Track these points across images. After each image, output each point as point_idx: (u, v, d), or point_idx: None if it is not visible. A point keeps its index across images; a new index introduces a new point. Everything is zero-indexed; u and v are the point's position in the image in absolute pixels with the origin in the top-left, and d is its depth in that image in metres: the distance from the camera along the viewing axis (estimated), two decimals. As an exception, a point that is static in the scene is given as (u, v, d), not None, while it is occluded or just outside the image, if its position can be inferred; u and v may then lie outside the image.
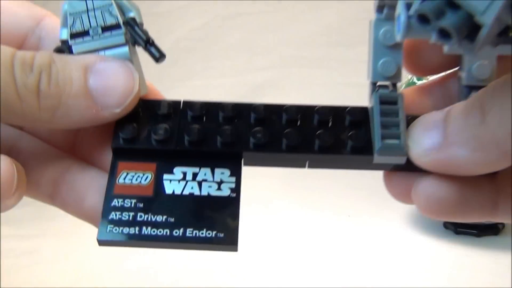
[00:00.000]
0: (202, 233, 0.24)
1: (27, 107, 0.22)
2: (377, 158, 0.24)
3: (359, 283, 0.49)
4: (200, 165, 0.25)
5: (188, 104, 0.25)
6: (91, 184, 0.25)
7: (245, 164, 0.25)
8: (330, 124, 0.25)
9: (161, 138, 0.24)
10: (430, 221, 0.60)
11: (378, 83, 0.25)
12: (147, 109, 0.25)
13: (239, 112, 0.25)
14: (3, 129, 0.25)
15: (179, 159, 0.25)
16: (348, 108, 0.25)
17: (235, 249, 0.24)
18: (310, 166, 0.26)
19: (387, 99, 0.25)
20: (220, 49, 0.86)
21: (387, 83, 0.25)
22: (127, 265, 0.51)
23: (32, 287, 0.50)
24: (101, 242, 0.24)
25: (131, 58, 0.25)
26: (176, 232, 0.24)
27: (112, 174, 0.25)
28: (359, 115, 0.25)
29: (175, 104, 0.25)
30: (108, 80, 0.23)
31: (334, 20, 0.82)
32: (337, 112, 0.25)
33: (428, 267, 0.52)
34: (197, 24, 0.87)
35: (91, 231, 0.24)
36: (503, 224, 0.58)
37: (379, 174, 0.25)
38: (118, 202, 0.24)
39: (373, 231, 0.59)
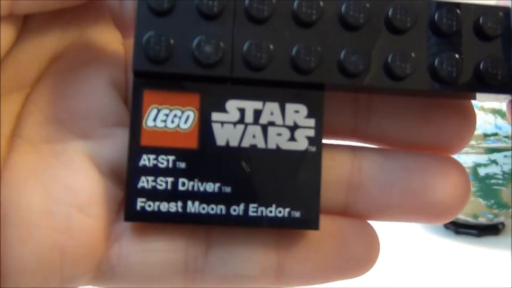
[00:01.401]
0: (271, 211, 0.16)
1: None
2: None
3: (359, 283, 0.49)
4: (264, 97, 0.16)
5: None
6: None
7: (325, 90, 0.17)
8: (453, 32, 0.16)
9: (210, 60, 0.15)
10: (430, 221, 0.60)
11: None
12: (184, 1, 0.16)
13: (322, 11, 0.16)
14: None
15: (233, 86, 0.16)
16: (484, 11, 0.16)
17: (316, 229, 0.17)
18: (414, 95, 0.18)
19: None
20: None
21: None
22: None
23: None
24: (130, 221, 0.16)
25: None
26: (234, 210, 0.16)
27: (136, 111, 0.16)
28: (500, 25, 0.16)
29: None
30: None
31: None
32: (465, 15, 0.16)
33: (428, 267, 0.52)
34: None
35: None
36: (503, 224, 0.58)
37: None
38: (149, 159, 0.16)
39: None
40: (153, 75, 0.16)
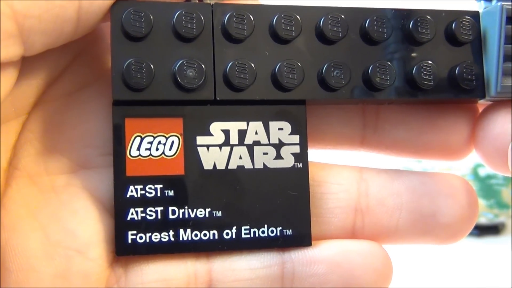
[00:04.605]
0: (263, 232, 0.16)
1: None
2: (488, 99, 0.17)
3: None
4: (247, 116, 0.16)
5: (223, 12, 0.15)
6: None
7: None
8: (428, 40, 0.16)
9: (193, 84, 0.15)
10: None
11: None
12: (160, 22, 0.15)
13: (301, 25, 0.16)
14: None
15: (215, 108, 0.16)
16: (455, 17, 0.17)
17: (309, 245, 0.17)
18: (390, 104, 0.18)
19: None
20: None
21: None
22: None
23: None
24: (121, 255, 0.16)
25: None
26: (227, 234, 0.16)
27: (119, 142, 0.15)
28: (472, 30, 0.17)
29: (201, 13, 0.15)
30: None
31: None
32: (438, 23, 0.17)
33: (427, 267, 0.52)
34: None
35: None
36: (503, 224, 0.58)
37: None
38: (136, 190, 0.15)
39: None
40: (133, 102, 0.15)
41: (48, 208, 0.16)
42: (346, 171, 0.18)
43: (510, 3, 0.16)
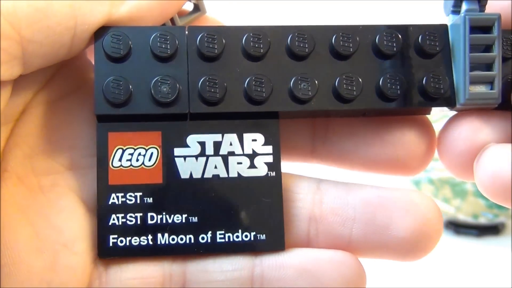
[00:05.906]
0: (237, 236, 0.17)
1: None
2: (458, 108, 0.17)
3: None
4: (222, 129, 0.17)
5: (196, 33, 0.17)
6: None
7: (280, 117, 0.18)
8: (395, 53, 0.17)
9: (167, 99, 0.16)
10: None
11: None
12: (138, 44, 0.17)
13: (270, 45, 0.17)
14: None
15: (192, 122, 0.17)
16: (422, 30, 0.17)
17: (282, 250, 0.17)
18: (365, 116, 0.18)
19: (479, 23, 0.17)
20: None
21: None
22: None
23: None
24: (103, 257, 0.17)
25: None
26: (203, 238, 0.17)
27: (102, 153, 0.17)
28: (439, 42, 0.17)
29: (176, 34, 0.17)
30: None
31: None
32: (405, 36, 0.17)
33: (428, 267, 0.51)
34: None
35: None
36: (503, 224, 0.58)
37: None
38: (117, 198, 0.17)
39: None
40: (115, 118, 0.17)
41: (36, 206, 0.17)
42: (304, 181, 0.18)
43: (474, 14, 0.17)
